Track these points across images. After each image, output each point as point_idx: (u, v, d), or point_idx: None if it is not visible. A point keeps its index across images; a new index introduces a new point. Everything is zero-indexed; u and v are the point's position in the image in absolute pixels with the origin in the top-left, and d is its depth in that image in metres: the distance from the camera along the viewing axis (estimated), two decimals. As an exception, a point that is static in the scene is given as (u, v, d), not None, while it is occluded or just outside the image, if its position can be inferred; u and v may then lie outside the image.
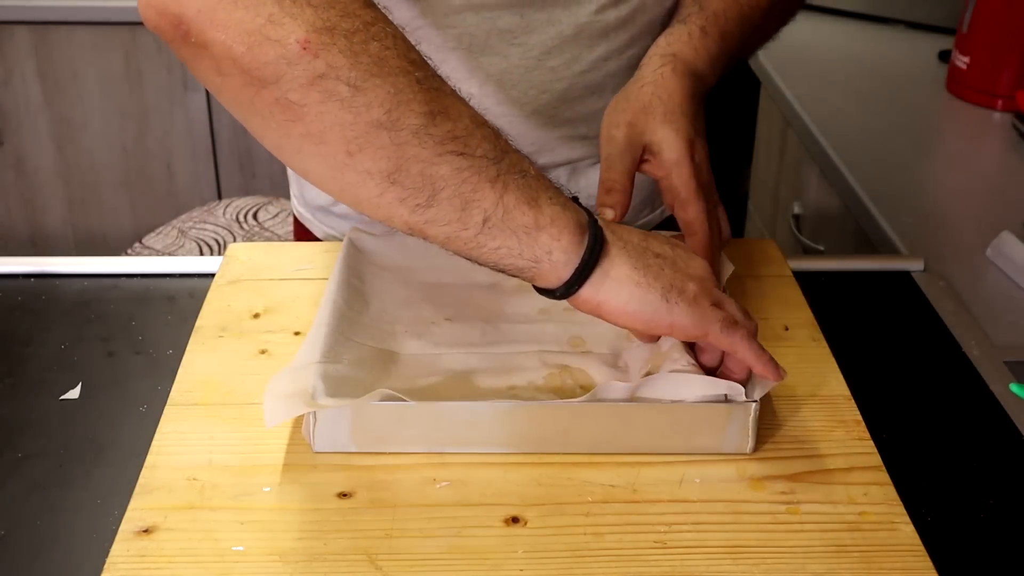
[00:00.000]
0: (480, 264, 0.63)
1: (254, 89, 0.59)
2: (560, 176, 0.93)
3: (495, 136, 0.62)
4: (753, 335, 0.66)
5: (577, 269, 0.62)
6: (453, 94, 0.62)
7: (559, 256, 0.62)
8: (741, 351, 0.66)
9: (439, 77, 0.62)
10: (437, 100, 0.60)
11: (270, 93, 0.58)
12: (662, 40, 0.83)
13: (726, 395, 0.67)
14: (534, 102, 0.88)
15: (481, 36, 0.84)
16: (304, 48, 0.57)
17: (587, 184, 0.94)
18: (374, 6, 0.62)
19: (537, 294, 0.65)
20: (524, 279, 0.64)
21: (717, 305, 0.66)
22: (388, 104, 0.58)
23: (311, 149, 0.60)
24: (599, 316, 0.65)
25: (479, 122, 0.62)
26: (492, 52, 0.85)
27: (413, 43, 0.63)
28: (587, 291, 0.63)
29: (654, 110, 0.78)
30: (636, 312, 0.63)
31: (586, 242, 0.62)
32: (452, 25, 0.83)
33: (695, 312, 0.64)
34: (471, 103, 0.64)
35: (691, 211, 0.76)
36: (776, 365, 0.66)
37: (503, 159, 0.61)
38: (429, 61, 0.62)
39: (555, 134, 0.90)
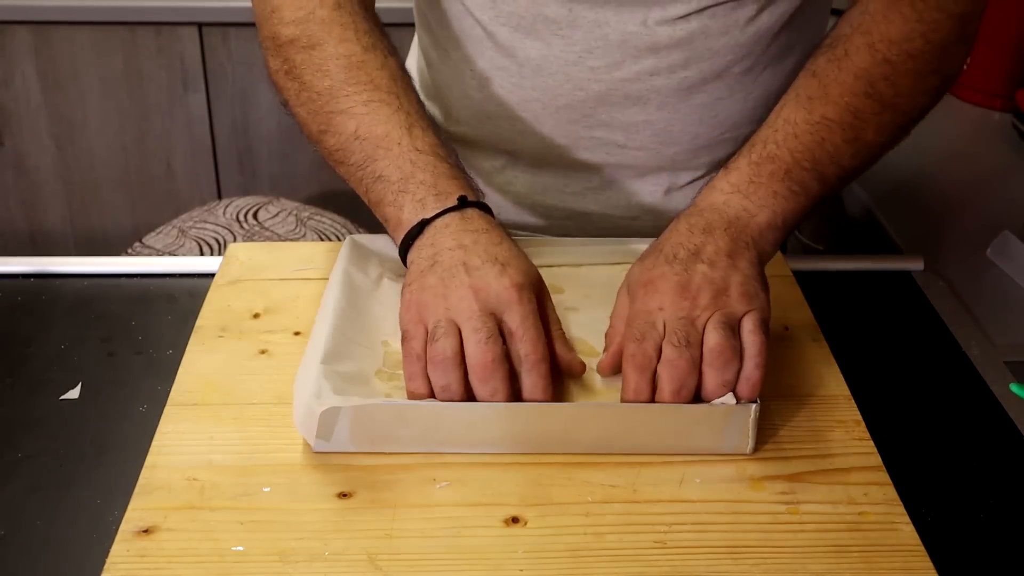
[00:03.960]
0: None
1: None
2: (591, 188, 0.94)
3: (371, 147, 0.77)
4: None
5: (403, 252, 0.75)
6: (346, 112, 0.77)
7: (398, 237, 0.75)
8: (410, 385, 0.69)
9: (348, 97, 0.78)
10: (327, 122, 0.79)
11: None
12: (712, 183, 0.78)
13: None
14: (569, 96, 0.88)
15: (528, 19, 0.86)
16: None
17: (621, 198, 0.94)
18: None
19: None
20: None
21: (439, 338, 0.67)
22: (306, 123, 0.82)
23: None
24: None
25: (360, 136, 0.77)
26: (536, 37, 0.86)
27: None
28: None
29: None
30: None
31: (403, 239, 0.75)
32: (505, 2, 0.86)
33: (405, 339, 0.69)
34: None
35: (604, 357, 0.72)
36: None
37: (367, 167, 0.77)
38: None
39: (588, 133, 0.90)
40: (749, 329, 0.68)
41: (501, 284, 0.69)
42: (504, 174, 0.97)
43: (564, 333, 0.73)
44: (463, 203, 0.74)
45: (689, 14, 0.84)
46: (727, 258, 0.71)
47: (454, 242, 0.71)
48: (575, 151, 0.92)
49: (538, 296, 0.72)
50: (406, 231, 0.74)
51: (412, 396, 0.68)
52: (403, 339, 0.69)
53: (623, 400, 0.68)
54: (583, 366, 0.72)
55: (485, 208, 0.76)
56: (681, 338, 0.67)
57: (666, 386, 0.66)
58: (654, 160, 0.91)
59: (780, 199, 0.75)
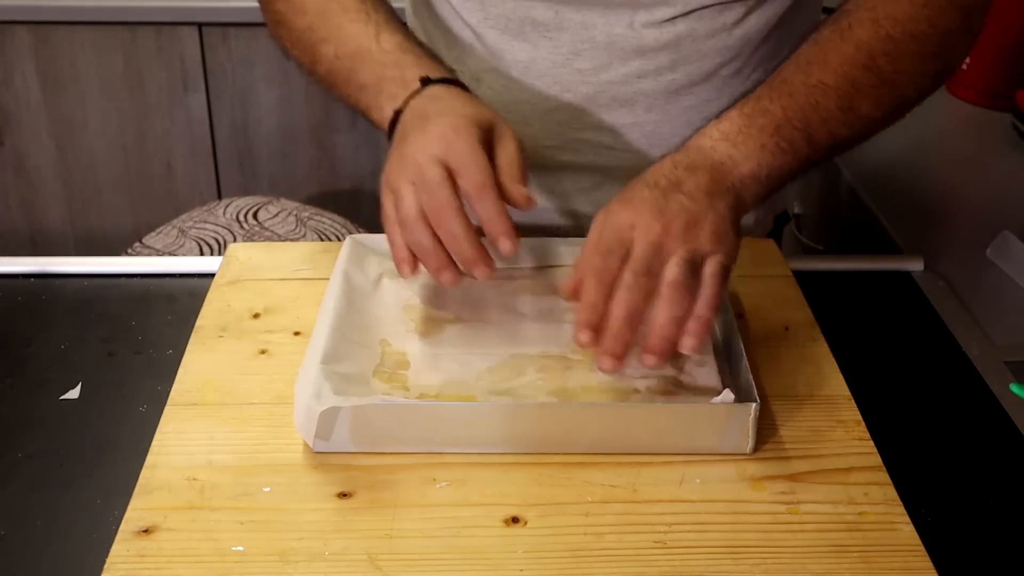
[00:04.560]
0: None
1: None
2: (582, 188, 0.94)
3: (349, 63, 0.83)
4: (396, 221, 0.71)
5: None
6: (325, 39, 0.84)
7: (388, 134, 0.79)
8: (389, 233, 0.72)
9: (325, 27, 0.85)
10: (313, 53, 0.86)
11: None
12: (704, 130, 0.78)
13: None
14: (557, 98, 0.88)
15: (516, 22, 0.86)
16: None
17: (611, 199, 0.93)
18: None
19: (538, 295, 0.65)
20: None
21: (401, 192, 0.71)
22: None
23: None
24: None
25: (339, 56, 0.83)
26: (524, 39, 0.87)
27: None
28: None
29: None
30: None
31: (388, 133, 0.79)
32: (493, 4, 0.87)
33: (385, 188, 0.73)
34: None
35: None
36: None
37: (351, 82, 0.83)
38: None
39: (577, 135, 0.90)
40: (710, 272, 0.68)
41: (439, 130, 0.71)
42: None
43: (518, 168, 0.73)
44: (425, 83, 0.78)
45: (675, 17, 0.84)
46: (706, 196, 0.71)
47: (415, 115, 0.76)
48: (564, 153, 0.92)
49: (489, 134, 0.73)
50: (388, 125, 0.78)
51: (398, 263, 0.71)
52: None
53: (579, 313, 0.67)
54: (527, 200, 0.72)
55: (452, 82, 0.79)
56: (642, 266, 0.67)
57: (617, 310, 0.66)
58: (643, 162, 0.91)
59: (767, 153, 0.75)
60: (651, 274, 0.67)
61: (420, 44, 0.85)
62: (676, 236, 0.68)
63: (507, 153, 0.74)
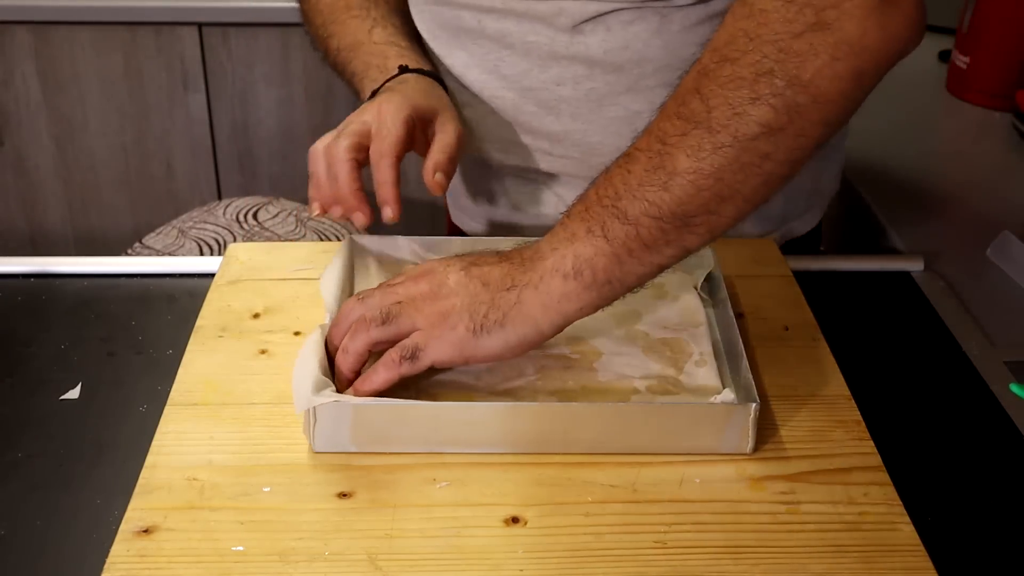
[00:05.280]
0: None
1: None
2: (537, 191, 0.95)
3: (347, 54, 0.91)
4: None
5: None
6: (332, 35, 0.93)
7: None
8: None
9: (334, 23, 0.93)
10: (325, 47, 0.94)
11: None
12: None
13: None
14: (490, 103, 0.90)
15: (451, 29, 0.89)
16: None
17: (560, 205, 0.93)
18: None
19: None
20: None
21: None
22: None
23: None
24: None
25: (340, 49, 0.91)
26: (459, 46, 0.89)
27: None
28: None
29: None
30: None
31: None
32: (429, 13, 0.91)
33: None
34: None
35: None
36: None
37: (348, 71, 0.91)
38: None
39: (519, 139, 0.91)
40: (392, 356, 0.68)
41: (378, 102, 0.81)
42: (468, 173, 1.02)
43: (443, 154, 0.79)
44: (402, 70, 0.85)
45: (583, 22, 0.82)
46: (482, 286, 0.68)
47: (382, 93, 0.83)
48: (510, 157, 0.92)
49: (429, 119, 0.81)
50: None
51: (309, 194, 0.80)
52: None
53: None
54: (438, 185, 0.78)
55: (427, 73, 0.86)
56: (385, 318, 0.69)
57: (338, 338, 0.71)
58: (583, 169, 0.90)
59: (578, 241, 0.66)
60: (376, 318, 0.69)
61: (410, 38, 0.91)
62: (410, 300, 0.69)
63: (440, 141, 0.81)
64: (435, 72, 0.89)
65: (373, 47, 0.89)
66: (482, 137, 0.92)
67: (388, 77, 0.85)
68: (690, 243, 0.66)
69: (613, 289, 0.67)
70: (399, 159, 0.78)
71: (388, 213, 0.77)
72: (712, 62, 0.65)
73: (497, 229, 1.00)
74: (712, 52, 0.66)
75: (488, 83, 0.89)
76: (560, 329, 0.68)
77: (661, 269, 0.68)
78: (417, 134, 0.82)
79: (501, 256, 0.70)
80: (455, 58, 0.90)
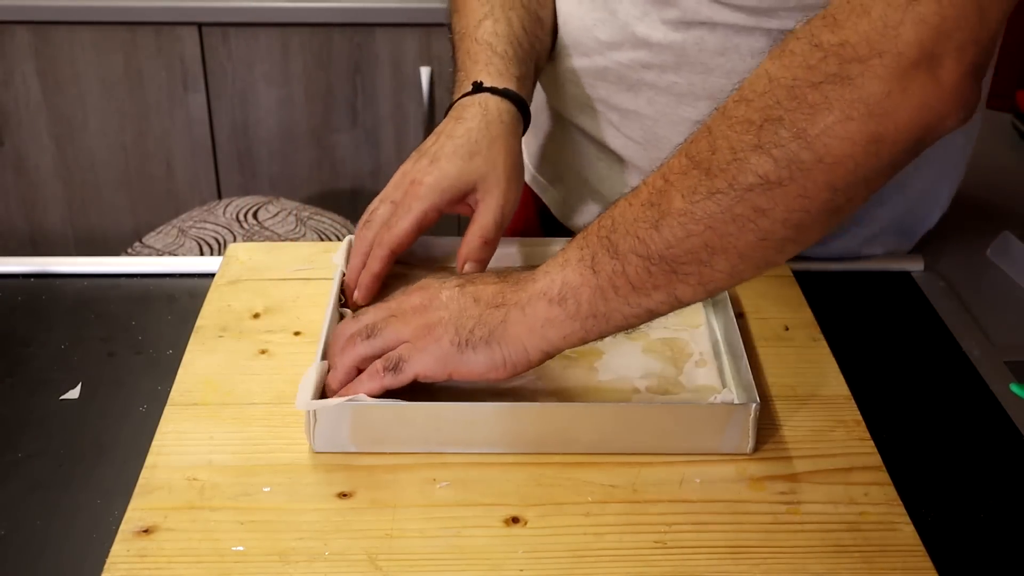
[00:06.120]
0: None
1: None
2: (597, 163, 0.96)
3: (457, 41, 0.89)
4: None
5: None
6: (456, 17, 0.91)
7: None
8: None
9: (464, 8, 0.90)
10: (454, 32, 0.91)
11: None
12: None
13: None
14: (581, 57, 0.92)
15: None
16: None
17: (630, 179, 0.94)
18: None
19: None
20: None
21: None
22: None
23: None
24: None
25: (456, 33, 0.89)
26: None
27: None
28: None
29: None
30: None
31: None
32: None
33: None
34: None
35: None
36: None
37: (454, 53, 0.89)
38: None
39: (590, 100, 0.93)
40: (384, 361, 0.68)
41: (417, 178, 0.78)
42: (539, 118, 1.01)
43: (479, 239, 0.77)
44: (476, 88, 0.82)
45: (687, 21, 0.82)
46: (472, 299, 0.67)
47: (447, 121, 0.81)
48: (580, 115, 0.94)
49: (469, 193, 0.78)
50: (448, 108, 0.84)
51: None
52: None
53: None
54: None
55: (503, 93, 0.82)
56: (370, 332, 0.69)
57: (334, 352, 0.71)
58: (643, 160, 0.91)
59: (568, 268, 0.65)
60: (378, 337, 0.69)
61: (512, 39, 0.86)
62: (401, 313, 0.69)
63: (478, 221, 0.78)
64: (512, 92, 0.82)
65: (472, 45, 0.86)
66: (564, 89, 0.93)
67: (463, 92, 0.83)
68: (681, 293, 0.63)
69: (598, 324, 0.64)
70: (395, 254, 0.78)
71: (356, 295, 0.79)
72: (732, 100, 0.61)
73: (550, 182, 1.03)
74: (738, 89, 0.62)
75: (582, 39, 0.89)
76: (546, 355, 0.66)
77: (651, 315, 0.64)
78: (453, 205, 0.79)
79: (499, 275, 0.69)
80: (565, 2, 0.90)
